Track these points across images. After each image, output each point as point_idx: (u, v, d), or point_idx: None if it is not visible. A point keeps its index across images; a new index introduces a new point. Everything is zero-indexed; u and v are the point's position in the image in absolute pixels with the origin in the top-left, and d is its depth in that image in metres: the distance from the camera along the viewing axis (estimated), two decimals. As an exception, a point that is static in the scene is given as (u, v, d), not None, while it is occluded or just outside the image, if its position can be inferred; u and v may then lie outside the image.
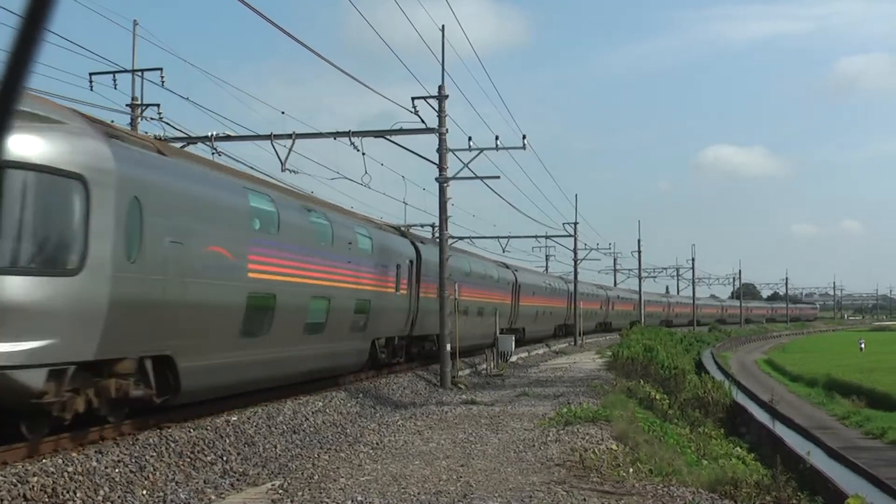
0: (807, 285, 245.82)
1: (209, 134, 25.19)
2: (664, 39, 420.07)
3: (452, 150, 27.24)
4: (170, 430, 13.40)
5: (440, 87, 26.11)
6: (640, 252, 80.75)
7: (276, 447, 14.70)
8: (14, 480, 9.61)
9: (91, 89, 26.46)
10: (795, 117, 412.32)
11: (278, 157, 24.87)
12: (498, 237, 54.57)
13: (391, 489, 10.61)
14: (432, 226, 45.45)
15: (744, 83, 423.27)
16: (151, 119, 27.34)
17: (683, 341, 69.41)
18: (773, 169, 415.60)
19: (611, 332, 72.95)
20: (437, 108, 25.98)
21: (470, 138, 27.99)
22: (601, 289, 76.84)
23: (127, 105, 27.84)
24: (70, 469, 10.47)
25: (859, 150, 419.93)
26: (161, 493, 10.82)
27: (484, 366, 33.68)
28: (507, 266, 45.88)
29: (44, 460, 10.66)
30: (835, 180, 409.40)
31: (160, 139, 23.40)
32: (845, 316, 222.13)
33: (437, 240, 28.68)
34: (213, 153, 24.62)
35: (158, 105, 27.51)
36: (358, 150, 25.23)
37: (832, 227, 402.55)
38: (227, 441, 13.99)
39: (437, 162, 26.53)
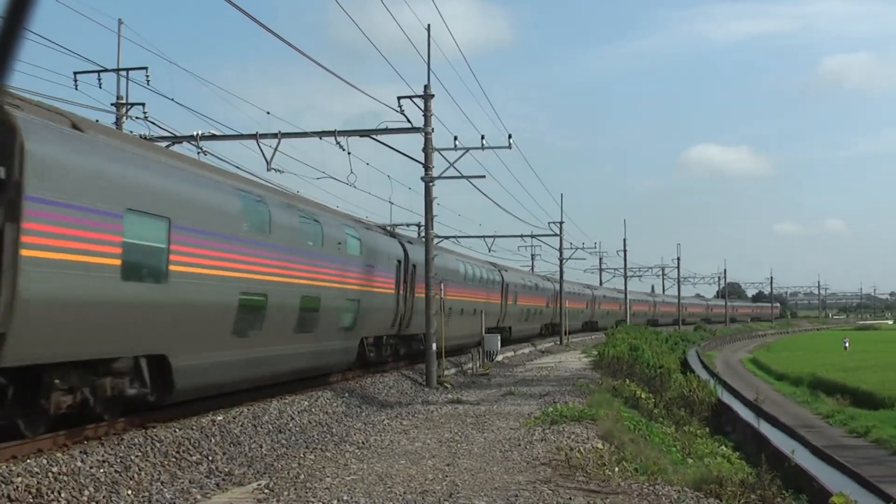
0: (791, 284, 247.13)
1: (194, 133, 25.15)
2: (649, 39, 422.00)
3: (438, 150, 27.25)
4: (155, 430, 13.36)
5: (426, 87, 26.12)
6: (625, 251, 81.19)
7: (261, 447, 14.67)
8: (-2, 481, 9.56)
9: (76, 88, 26.45)
10: (780, 117, 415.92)
11: (264, 157, 24.87)
12: (484, 236, 54.52)
13: (377, 488, 10.60)
14: (418, 225, 45.48)
15: (729, 82, 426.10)
16: (136, 118, 27.28)
17: (669, 340, 69.63)
18: (758, 168, 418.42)
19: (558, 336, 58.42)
20: (422, 108, 25.99)
21: (456, 138, 28.07)
22: (548, 280, 61.86)
23: (112, 104, 27.79)
24: (54, 469, 10.42)
25: (843, 149, 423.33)
26: (146, 493, 10.79)
27: (470, 365, 33.70)
28: (393, 235, 29.26)
29: (28, 461, 10.60)
30: (819, 179, 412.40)
31: (145, 138, 23.34)
32: (830, 315, 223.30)
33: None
34: (198, 152, 24.58)
35: (143, 104, 27.49)
36: (343, 150, 25.24)
37: (817, 226, 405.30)
38: (213, 441, 13.95)
39: (422, 161, 26.53)
